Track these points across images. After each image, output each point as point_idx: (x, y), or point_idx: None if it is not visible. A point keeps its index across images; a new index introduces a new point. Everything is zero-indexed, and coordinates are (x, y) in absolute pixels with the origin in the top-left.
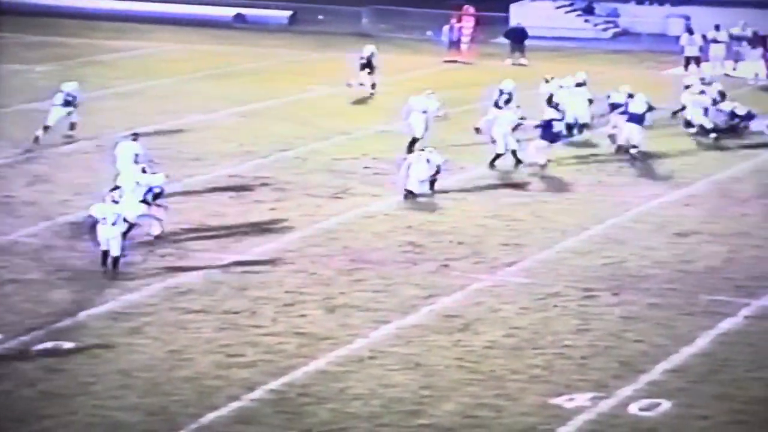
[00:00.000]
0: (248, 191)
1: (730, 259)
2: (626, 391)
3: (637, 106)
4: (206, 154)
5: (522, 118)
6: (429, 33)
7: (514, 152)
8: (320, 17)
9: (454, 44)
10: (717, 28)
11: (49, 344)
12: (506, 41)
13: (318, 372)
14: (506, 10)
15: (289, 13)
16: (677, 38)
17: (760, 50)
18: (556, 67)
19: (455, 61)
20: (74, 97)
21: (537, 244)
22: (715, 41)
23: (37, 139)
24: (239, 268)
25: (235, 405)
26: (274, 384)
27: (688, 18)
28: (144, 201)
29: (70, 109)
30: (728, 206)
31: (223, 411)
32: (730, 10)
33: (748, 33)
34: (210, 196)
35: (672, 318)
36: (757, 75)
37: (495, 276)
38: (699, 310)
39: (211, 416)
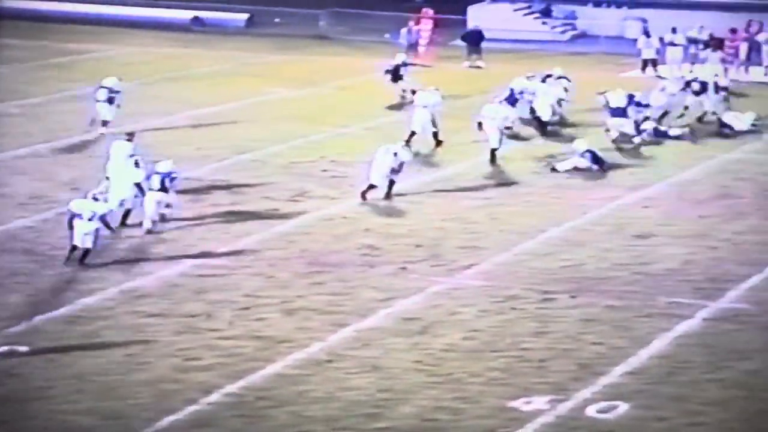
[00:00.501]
0: (205, 194)
1: (688, 261)
2: (584, 393)
3: (618, 101)
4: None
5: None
6: (387, 35)
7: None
8: (277, 20)
9: (413, 47)
10: (674, 30)
11: (3, 348)
12: (464, 43)
13: (276, 375)
14: (464, 12)
15: (246, 15)
16: (634, 41)
17: (718, 53)
18: (514, 69)
19: (414, 64)
20: (117, 93)
21: (495, 247)
22: (672, 44)
23: (99, 129)
24: (196, 272)
25: (192, 409)
26: (232, 387)
27: (645, 21)
28: (162, 188)
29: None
30: (686, 208)
31: (181, 415)
32: (687, 13)
33: (705, 36)
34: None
35: (630, 320)
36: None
37: (453, 279)
38: (657, 312)
39: (168, 420)
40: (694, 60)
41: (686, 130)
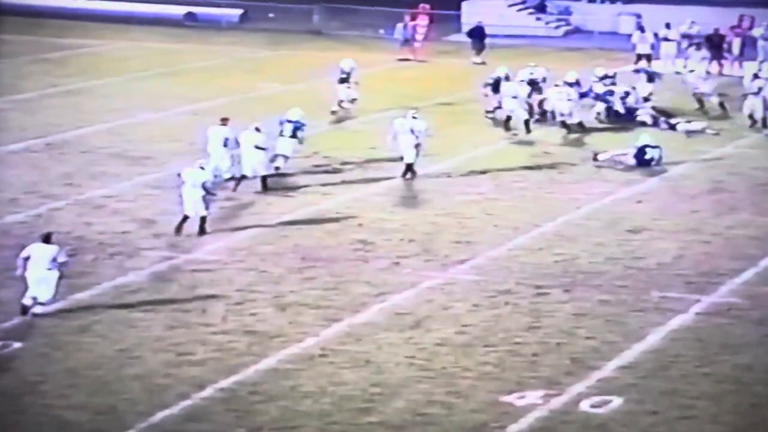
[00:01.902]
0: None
1: (681, 255)
2: (577, 388)
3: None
4: (156, 152)
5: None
6: (381, 31)
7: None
8: (271, 15)
9: (408, 42)
10: (668, 26)
11: None
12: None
13: (268, 370)
14: (458, 8)
15: (239, 11)
16: (628, 36)
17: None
18: (508, 64)
19: (409, 59)
20: (349, 73)
21: (488, 242)
22: (666, 39)
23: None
24: (189, 267)
25: (185, 403)
26: (225, 382)
27: (639, 16)
28: (294, 135)
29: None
30: (678, 203)
31: (173, 409)
32: (681, 8)
33: (694, 31)
34: (160, 194)
35: (623, 314)
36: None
37: (446, 273)
38: (650, 306)
39: (160, 415)
40: (687, 56)
41: (704, 125)
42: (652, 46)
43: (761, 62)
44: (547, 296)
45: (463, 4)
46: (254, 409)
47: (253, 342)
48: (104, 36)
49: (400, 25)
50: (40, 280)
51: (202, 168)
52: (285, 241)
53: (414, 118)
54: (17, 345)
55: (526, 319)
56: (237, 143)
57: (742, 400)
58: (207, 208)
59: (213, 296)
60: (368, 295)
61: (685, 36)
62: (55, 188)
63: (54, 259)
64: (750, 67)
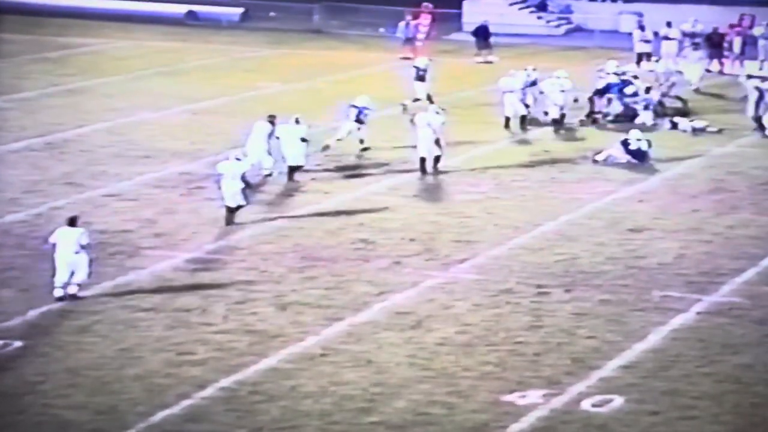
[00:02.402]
0: (199, 189)
1: (682, 255)
2: (578, 387)
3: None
4: (157, 151)
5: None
6: (381, 30)
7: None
8: (272, 14)
9: (409, 41)
10: (669, 24)
11: None
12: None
13: (269, 370)
14: (459, 6)
15: (240, 10)
16: (629, 35)
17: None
18: (509, 63)
19: (410, 58)
20: (425, 70)
21: (489, 241)
22: (667, 38)
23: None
24: (190, 266)
25: (185, 403)
26: (225, 382)
27: (640, 15)
28: (358, 120)
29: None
30: (679, 202)
31: (174, 409)
32: (682, 7)
33: (698, 29)
34: (160, 193)
35: (624, 314)
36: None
37: (447, 273)
38: (651, 306)
39: (161, 415)
40: (684, 55)
41: (706, 123)
42: (649, 43)
43: (762, 61)
44: (548, 296)
45: (464, 3)
46: (255, 408)
47: (254, 341)
48: (105, 35)
49: (401, 24)
50: (70, 264)
51: (239, 159)
52: (286, 240)
53: (437, 113)
54: (18, 344)
55: (527, 319)
56: (277, 139)
57: (743, 400)
58: (246, 198)
59: (214, 296)
60: (369, 295)
61: (686, 34)
62: (56, 187)
63: (80, 243)
64: (751, 66)
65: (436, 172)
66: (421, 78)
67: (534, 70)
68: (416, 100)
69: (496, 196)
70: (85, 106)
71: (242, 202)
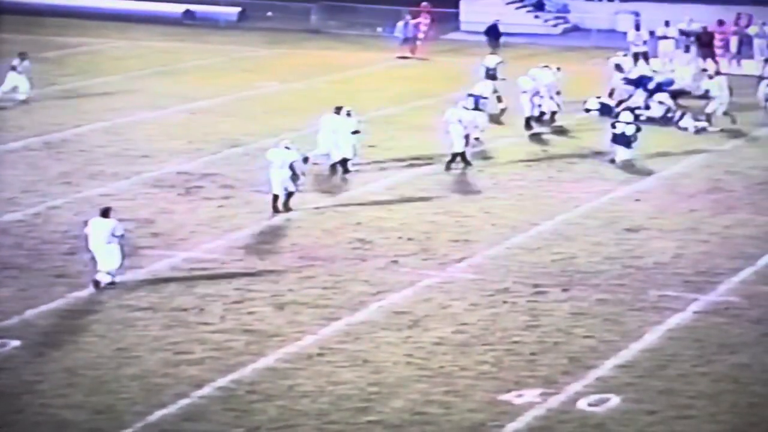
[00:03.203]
0: (197, 188)
1: (679, 254)
2: (575, 386)
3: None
4: (154, 151)
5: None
6: (379, 29)
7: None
8: (269, 14)
9: (408, 41)
10: (666, 24)
11: None
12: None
13: (266, 369)
14: (457, 6)
15: (238, 9)
16: (626, 34)
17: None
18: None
19: (408, 57)
20: (495, 69)
21: (486, 241)
22: (665, 37)
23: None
24: (187, 265)
25: (183, 402)
26: (223, 381)
27: (637, 14)
28: (476, 108)
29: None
30: (676, 202)
31: (171, 408)
32: (679, 6)
33: (694, 28)
34: (158, 193)
35: (621, 313)
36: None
37: (444, 272)
38: (648, 305)
39: (158, 414)
40: (686, 53)
41: (706, 123)
42: (645, 43)
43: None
44: (545, 295)
45: (462, 3)
46: (252, 408)
47: (251, 341)
48: (103, 35)
49: (400, 24)
50: (103, 254)
51: (288, 148)
52: (283, 240)
53: (465, 108)
54: (15, 344)
55: (524, 318)
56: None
57: (740, 400)
58: (295, 185)
59: (211, 295)
60: (366, 294)
61: (683, 33)
62: (54, 187)
63: (113, 233)
64: (748, 66)
65: (465, 165)
66: (492, 77)
67: (558, 69)
68: (484, 98)
69: (493, 195)
70: (83, 105)
71: (292, 189)
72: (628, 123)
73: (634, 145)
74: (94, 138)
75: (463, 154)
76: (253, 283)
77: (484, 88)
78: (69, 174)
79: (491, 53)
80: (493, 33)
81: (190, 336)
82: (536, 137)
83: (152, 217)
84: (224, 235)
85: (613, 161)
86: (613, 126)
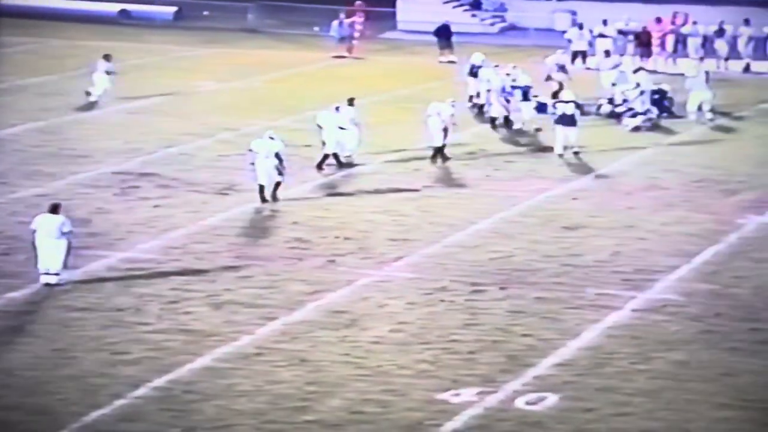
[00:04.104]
0: (133, 188)
1: (617, 252)
2: (513, 385)
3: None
4: (91, 150)
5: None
6: (316, 29)
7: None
8: (206, 13)
9: (344, 40)
10: (605, 23)
11: None
12: (390, 37)
13: (204, 369)
14: (394, 5)
15: (174, 8)
16: (564, 33)
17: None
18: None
19: (344, 57)
20: (480, 66)
21: (424, 239)
22: (602, 36)
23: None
24: (124, 265)
25: (119, 403)
26: (160, 381)
27: (574, 13)
28: (525, 99)
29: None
30: (615, 200)
31: (108, 409)
32: (616, 5)
33: (632, 27)
34: (95, 193)
35: (559, 312)
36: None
37: (382, 271)
38: (586, 303)
39: (95, 415)
40: (622, 52)
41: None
42: (589, 43)
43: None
44: (483, 293)
45: (399, 2)
46: (189, 408)
47: (189, 341)
48: (38, 33)
49: (335, 23)
50: (48, 251)
51: (272, 138)
52: (220, 239)
53: (453, 105)
54: None
55: (462, 317)
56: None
57: (678, 396)
58: (281, 174)
59: (148, 295)
60: (304, 294)
61: (621, 32)
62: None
63: (61, 229)
64: (684, 64)
65: (443, 160)
66: (474, 74)
67: (514, 68)
68: (471, 97)
69: (431, 194)
70: (19, 105)
71: (278, 179)
72: (567, 102)
73: (579, 123)
74: (29, 138)
75: (441, 148)
76: (190, 282)
77: (472, 85)
78: (4, 174)
79: (446, 52)
80: (444, 33)
81: (127, 336)
82: (473, 136)
83: (89, 217)
84: (161, 235)
85: (561, 156)
86: (554, 107)
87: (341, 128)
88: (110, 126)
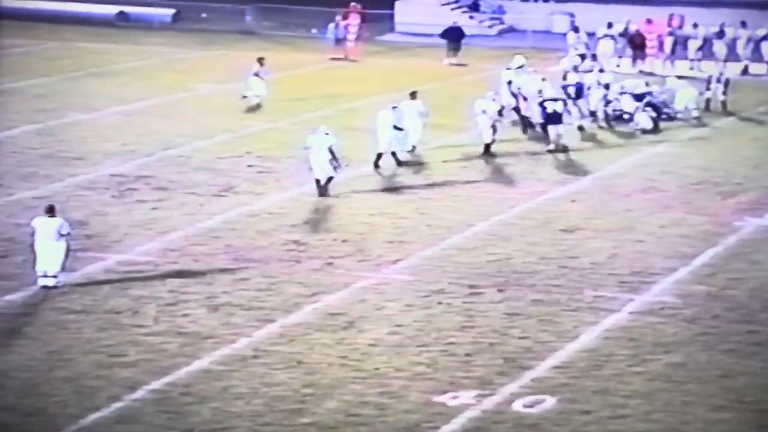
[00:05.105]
0: (131, 190)
1: (614, 254)
2: (510, 387)
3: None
4: (88, 153)
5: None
6: (314, 30)
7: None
8: (203, 15)
9: (340, 42)
10: (609, 25)
11: None
12: (387, 39)
13: (200, 371)
14: (392, 7)
15: (172, 11)
16: (562, 35)
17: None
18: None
19: (341, 59)
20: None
21: (422, 242)
22: (605, 37)
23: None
24: (121, 268)
25: (116, 405)
26: (156, 384)
27: (572, 15)
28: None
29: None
30: (612, 202)
31: (104, 411)
32: (614, 7)
33: (632, 30)
34: (92, 195)
35: (556, 314)
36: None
37: (379, 274)
38: (583, 305)
39: (91, 417)
40: (621, 54)
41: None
42: (588, 46)
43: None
44: (480, 296)
45: (397, 4)
46: (186, 410)
47: (185, 343)
48: (35, 36)
49: (331, 25)
50: (47, 253)
51: (327, 134)
52: (217, 241)
53: (493, 100)
54: None
55: (459, 319)
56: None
57: (674, 399)
58: (335, 169)
59: (145, 297)
60: (301, 296)
61: (621, 35)
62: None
63: (60, 231)
64: (681, 66)
65: (488, 156)
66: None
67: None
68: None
69: (428, 196)
70: (16, 107)
71: (331, 174)
72: (555, 100)
73: (564, 119)
74: (26, 140)
75: (489, 145)
76: (187, 285)
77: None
78: (1, 176)
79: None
80: (454, 35)
81: (123, 338)
82: (471, 139)
83: (86, 220)
84: (158, 237)
85: (551, 151)
86: (543, 106)
87: (396, 128)
88: (107, 128)
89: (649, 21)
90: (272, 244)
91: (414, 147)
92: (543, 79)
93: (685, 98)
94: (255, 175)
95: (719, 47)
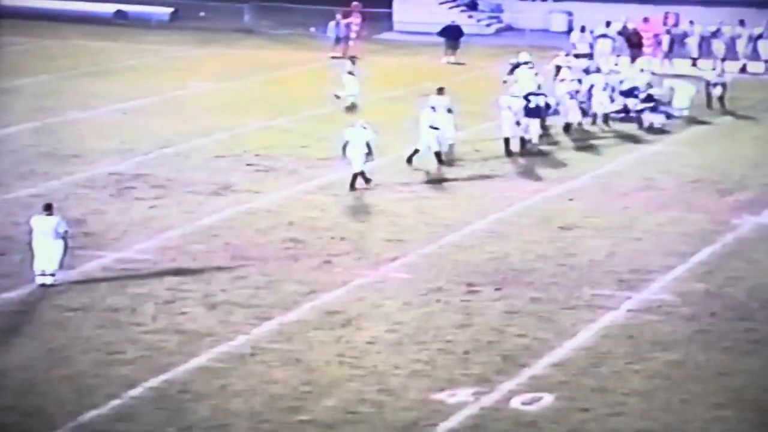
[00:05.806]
0: (129, 188)
1: (613, 252)
2: (508, 385)
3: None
4: (86, 151)
5: None
6: (312, 29)
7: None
8: (202, 14)
9: (340, 40)
10: (607, 24)
11: None
12: (386, 38)
13: (199, 369)
14: (390, 6)
15: (170, 9)
16: (560, 33)
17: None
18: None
19: (341, 57)
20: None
21: (420, 240)
22: (603, 36)
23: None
24: (119, 266)
25: (114, 403)
26: (155, 381)
27: (570, 14)
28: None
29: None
30: (610, 200)
31: (103, 409)
32: (612, 6)
33: (630, 28)
34: (90, 193)
35: (554, 312)
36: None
37: (377, 271)
38: (581, 303)
39: (90, 415)
40: (619, 53)
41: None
42: (591, 46)
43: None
44: (478, 294)
45: (395, 2)
46: (184, 408)
47: (184, 341)
48: (33, 34)
49: (332, 23)
50: (45, 251)
51: (364, 128)
52: (215, 240)
53: (526, 99)
54: None
55: (458, 317)
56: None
57: (673, 397)
58: (365, 162)
59: (143, 295)
60: (299, 294)
61: (620, 34)
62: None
63: (57, 230)
64: (679, 64)
65: (522, 152)
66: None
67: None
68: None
69: (426, 194)
70: (14, 105)
71: (363, 168)
72: (538, 95)
73: (544, 114)
74: (24, 138)
75: (508, 140)
76: (185, 283)
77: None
78: None
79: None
80: (453, 34)
81: (121, 336)
82: (469, 137)
83: (84, 218)
84: (156, 236)
85: (536, 145)
86: (527, 100)
87: (433, 127)
88: (105, 126)
89: (646, 20)
90: (270, 242)
91: (451, 145)
92: (536, 74)
93: (684, 96)
94: (252, 174)
95: (717, 46)
